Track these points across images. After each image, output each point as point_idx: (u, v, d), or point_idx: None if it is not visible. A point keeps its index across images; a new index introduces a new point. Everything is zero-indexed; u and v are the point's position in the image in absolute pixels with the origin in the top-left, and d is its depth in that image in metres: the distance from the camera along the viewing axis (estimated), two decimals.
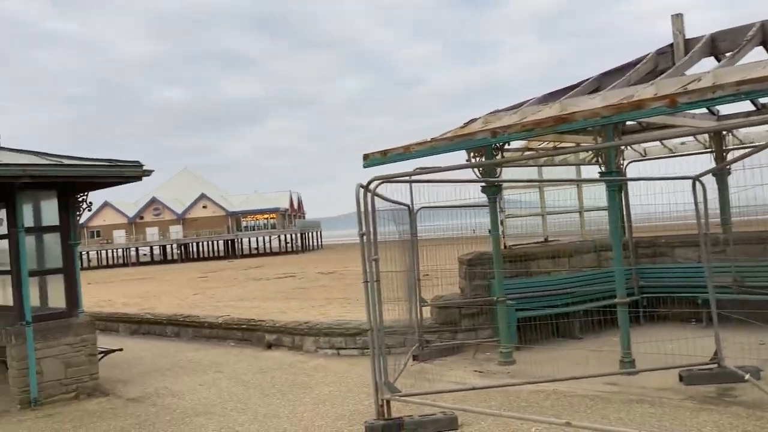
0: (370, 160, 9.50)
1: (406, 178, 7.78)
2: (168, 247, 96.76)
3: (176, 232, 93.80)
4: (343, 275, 37.48)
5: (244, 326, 12.98)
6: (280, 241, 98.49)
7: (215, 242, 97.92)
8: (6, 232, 10.38)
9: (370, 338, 6.89)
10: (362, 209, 6.69)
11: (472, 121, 9.87)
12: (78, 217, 9.56)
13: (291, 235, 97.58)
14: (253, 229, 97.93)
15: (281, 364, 10.75)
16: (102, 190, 10.60)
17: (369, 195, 6.77)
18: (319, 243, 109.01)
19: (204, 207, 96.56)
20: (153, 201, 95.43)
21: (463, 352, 10.74)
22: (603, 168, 8.89)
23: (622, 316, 8.67)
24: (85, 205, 9.56)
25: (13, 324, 9.14)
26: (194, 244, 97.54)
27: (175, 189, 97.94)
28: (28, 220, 9.55)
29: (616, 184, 8.93)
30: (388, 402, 6.79)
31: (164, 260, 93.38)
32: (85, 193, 9.57)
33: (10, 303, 11.39)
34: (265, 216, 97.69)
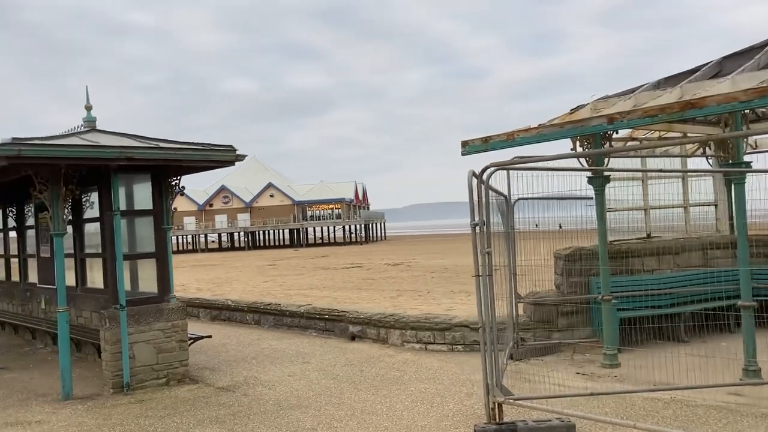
0: (469, 147, 9.00)
1: (522, 165, 7.24)
2: (235, 235, 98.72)
3: (244, 220, 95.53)
4: (411, 267, 37.15)
5: (327, 316, 12.73)
6: (344, 231, 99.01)
7: (281, 231, 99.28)
8: (96, 215, 10.46)
9: (481, 336, 6.42)
10: (475, 198, 6.23)
11: (579, 107, 9.25)
12: (171, 202, 9.45)
13: (355, 225, 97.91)
14: (318, 219, 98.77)
15: (368, 357, 10.43)
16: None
17: (482, 183, 6.30)
18: (383, 234, 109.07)
19: (271, 196, 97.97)
20: (222, 189, 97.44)
21: (559, 352, 10.16)
22: (727, 159, 8.13)
23: (746, 321, 7.92)
24: (177, 190, 9.44)
25: (107, 307, 9.12)
26: (261, 232, 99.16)
27: (244, 177, 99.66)
28: (121, 204, 9.52)
29: (742, 177, 8.16)
30: (500, 405, 6.32)
31: (231, 247, 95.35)
32: (178, 177, 9.45)
33: (99, 285, 11.50)
34: (330, 206, 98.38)
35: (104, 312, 8.86)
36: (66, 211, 8.49)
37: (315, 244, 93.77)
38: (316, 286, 26.39)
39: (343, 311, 12.56)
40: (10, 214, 14.28)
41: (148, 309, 9.08)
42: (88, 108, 9.47)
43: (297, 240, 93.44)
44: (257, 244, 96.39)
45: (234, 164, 9.36)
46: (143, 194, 9.36)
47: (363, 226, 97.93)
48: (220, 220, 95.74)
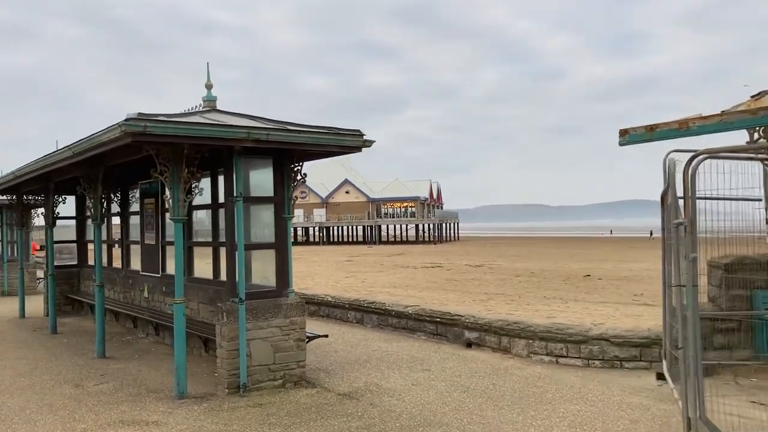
0: (629, 136, 7.88)
1: (742, 154, 6.10)
2: (311, 230, 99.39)
3: (320, 215, 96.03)
4: (493, 269, 35.78)
5: (439, 319, 11.82)
6: (417, 229, 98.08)
7: (355, 227, 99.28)
8: (206, 202, 9.89)
9: (682, 358, 5.34)
10: (679, 191, 5.16)
11: (762, 93, 7.98)
12: (293, 189, 8.74)
13: (429, 224, 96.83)
14: (393, 217, 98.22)
15: (494, 368, 9.44)
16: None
17: (689, 174, 5.22)
18: (456, 234, 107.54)
19: (347, 192, 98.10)
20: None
21: (716, 374, 8.89)
22: None
23: None
24: (299, 177, 8.72)
25: (219, 300, 8.49)
26: (335, 227, 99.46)
27: (320, 173, 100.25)
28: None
29: None
30: None
31: (307, 242, 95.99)
32: (300, 163, 8.73)
33: (206, 275, 10.96)
34: (405, 204, 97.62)
35: (221, 305, 8.22)
36: (185, 195, 7.88)
37: (388, 242, 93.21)
38: (399, 285, 25.37)
39: (458, 315, 11.61)
40: (114, 199, 14.04)
41: (266, 304, 8.39)
42: (209, 86, 8.88)
43: (370, 237, 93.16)
44: (331, 240, 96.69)
45: (361, 150, 8.56)
46: (262, 180, 8.68)
47: (437, 225, 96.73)
48: (297, 215, 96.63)
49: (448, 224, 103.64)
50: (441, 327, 11.81)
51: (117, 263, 15.20)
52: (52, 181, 13.04)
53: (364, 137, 8.46)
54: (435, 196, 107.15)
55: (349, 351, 10.84)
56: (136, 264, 13.84)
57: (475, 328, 11.12)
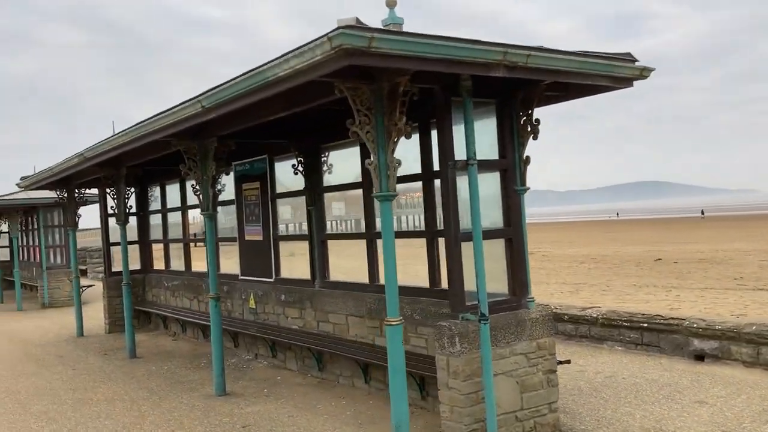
0: None
1: None
2: None
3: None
4: (547, 256, 32.93)
5: (645, 324, 9.01)
6: None
7: None
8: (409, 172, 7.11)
9: None
10: None
11: None
12: (524, 148, 5.94)
13: None
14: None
15: None
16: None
17: None
18: None
19: None
20: None
21: None
22: None
23: None
24: (531, 130, 5.92)
25: (448, 316, 5.69)
26: None
27: None
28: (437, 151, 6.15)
29: None
30: None
31: None
32: (530, 110, 5.91)
33: (351, 278, 8.24)
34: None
35: (444, 325, 5.42)
36: (393, 158, 5.04)
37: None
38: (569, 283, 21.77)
39: (676, 318, 8.80)
40: (192, 187, 11.29)
41: (505, 320, 5.61)
42: (391, 4, 6.02)
43: None
44: None
45: (632, 84, 5.76)
46: (480, 137, 5.85)
47: None
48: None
49: None
50: (649, 334, 9.00)
51: (199, 265, 12.48)
52: (123, 166, 10.28)
53: (641, 65, 5.66)
54: None
55: (576, 373, 8.05)
56: (228, 267, 11.11)
57: (710, 336, 8.31)
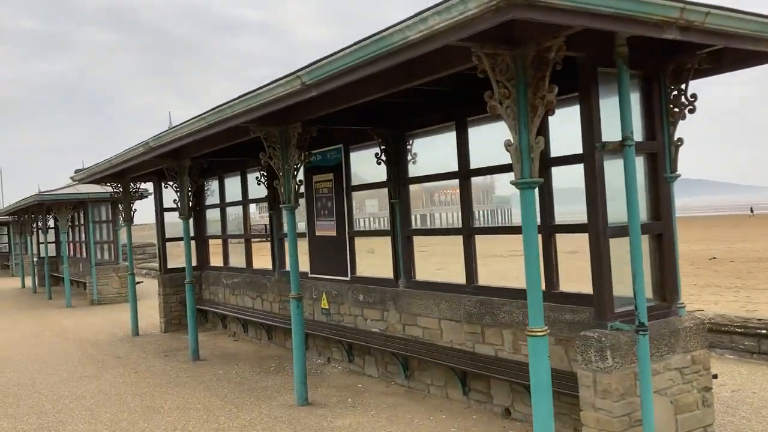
0: None
1: None
2: None
3: None
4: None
5: (763, 330, 8.10)
6: None
7: None
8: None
9: None
10: None
11: None
12: (674, 128, 5.11)
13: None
14: None
15: None
16: None
17: None
18: None
19: None
20: None
21: None
22: None
23: None
24: (688, 111, 5.08)
25: (580, 325, 4.92)
26: None
27: None
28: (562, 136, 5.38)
29: None
30: None
31: None
32: (684, 82, 5.06)
33: (455, 278, 7.50)
34: None
35: (593, 336, 4.62)
36: (535, 136, 4.26)
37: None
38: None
39: None
40: (262, 178, 10.65)
41: (657, 329, 4.79)
42: None
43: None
44: None
45: None
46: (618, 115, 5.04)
47: None
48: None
49: None
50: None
51: (260, 262, 11.88)
52: (187, 157, 9.68)
53: None
54: None
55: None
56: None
57: None
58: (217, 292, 12.75)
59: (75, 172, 13.18)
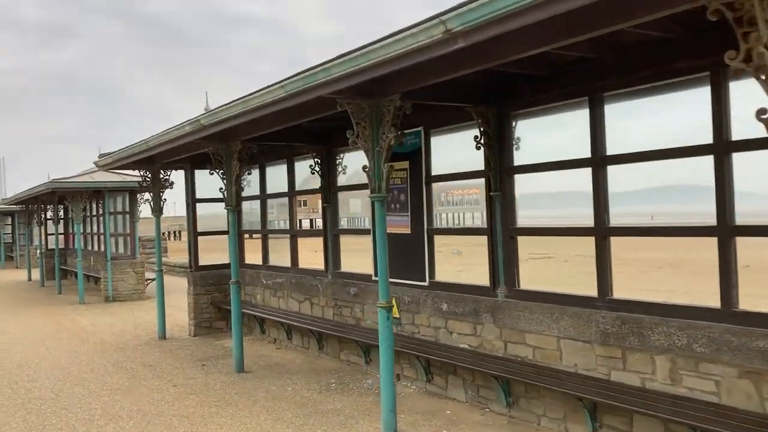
0: None
1: None
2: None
3: None
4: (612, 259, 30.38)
5: None
6: None
7: None
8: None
9: None
10: None
11: None
12: None
13: None
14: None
15: None
16: None
17: None
18: None
19: None
20: None
21: None
22: None
23: None
24: None
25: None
26: None
27: None
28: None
29: None
30: None
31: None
32: None
33: (582, 289, 6.29)
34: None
35: None
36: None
37: None
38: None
39: None
40: (316, 167, 9.41)
41: None
42: None
43: None
44: None
45: None
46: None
47: None
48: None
49: None
50: None
51: (308, 260, 10.65)
52: (238, 140, 8.44)
53: None
54: None
55: None
56: (355, 264, 9.25)
57: None
58: (254, 293, 11.52)
59: (99, 156, 11.94)
